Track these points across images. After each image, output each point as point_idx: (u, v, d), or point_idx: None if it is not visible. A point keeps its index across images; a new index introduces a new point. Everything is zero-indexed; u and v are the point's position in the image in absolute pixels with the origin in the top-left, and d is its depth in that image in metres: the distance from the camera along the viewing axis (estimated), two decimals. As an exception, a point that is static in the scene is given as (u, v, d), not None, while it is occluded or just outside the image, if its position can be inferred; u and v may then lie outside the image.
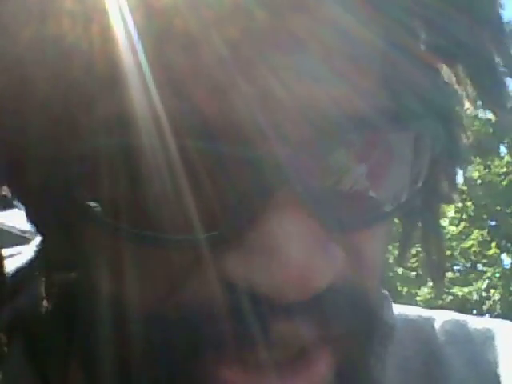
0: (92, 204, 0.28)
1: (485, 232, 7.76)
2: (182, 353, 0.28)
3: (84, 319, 0.32)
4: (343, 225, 0.29)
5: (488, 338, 0.42)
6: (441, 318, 0.44)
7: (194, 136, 0.27)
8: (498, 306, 7.55)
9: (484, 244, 7.88)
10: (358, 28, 0.28)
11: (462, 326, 0.43)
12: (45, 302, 0.36)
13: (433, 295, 7.56)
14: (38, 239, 0.42)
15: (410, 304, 0.47)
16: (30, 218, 0.34)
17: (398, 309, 0.44)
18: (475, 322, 0.44)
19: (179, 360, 0.28)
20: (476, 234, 7.80)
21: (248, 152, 0.27)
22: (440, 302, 7.43)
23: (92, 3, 0.26)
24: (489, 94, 0.33)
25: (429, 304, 7.33)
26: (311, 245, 0.27)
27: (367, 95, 0.28)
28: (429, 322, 0.44)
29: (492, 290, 7.54)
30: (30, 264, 0.40)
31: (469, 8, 0.30)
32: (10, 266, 0.39)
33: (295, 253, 0.27)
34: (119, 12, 0.26)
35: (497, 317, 7.49)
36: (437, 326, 0.43)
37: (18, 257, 0.40)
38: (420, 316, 0.44)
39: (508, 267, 7.76)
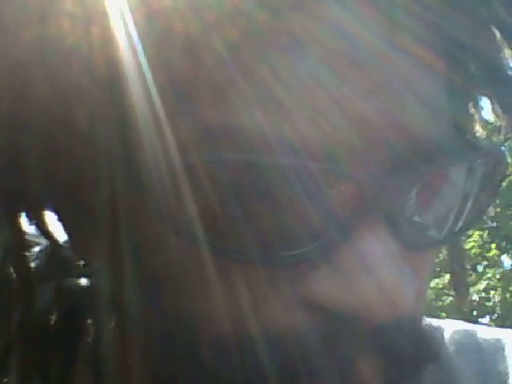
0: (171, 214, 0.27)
1: (485, 233, 7.75)
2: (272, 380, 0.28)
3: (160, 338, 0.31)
4: (415, 246, 0.30)
5: (498, 348, 0.42)
6: (450, 327, 0.44)
7: (284, 152, 0.26)
8: (498, 308, 7.54)
9: (484, 245, 7.87)
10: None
11: (472, 335, 0.43)
12: (50, 310, 0.36)
13: (432, 296, 7.55)
14: (43, 244, 0.42)
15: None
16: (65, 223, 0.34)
17: None
18: (485, 332, 0.44)
19: None
20: (476, 235, 7.79)
21: (343, 170, 0.27)
22: (440, 303, 7.42)
23: (92, 5, 0.26)
24: (497, 97, 0.33)
25: (429, 305, 7.33)
26: (401, 266, 0.27)
27: (445, 121, 0.30)
28: (438, 331, 0.43)
29: (492, 292, 7.53)
30: (39, 269, 0.40)
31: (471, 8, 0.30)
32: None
33: (389, 273, 0.27)
34: (120, 13, 0.26)
35: (497, 318, 7.48)
36: (446, 335, 0.43)
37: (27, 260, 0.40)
38: (429, 326, 0.43)
39: (508, 268, 7.75)
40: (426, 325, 0.34)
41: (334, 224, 0.27)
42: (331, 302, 0.27)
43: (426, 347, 0.32)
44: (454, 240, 0.34)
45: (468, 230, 0.34)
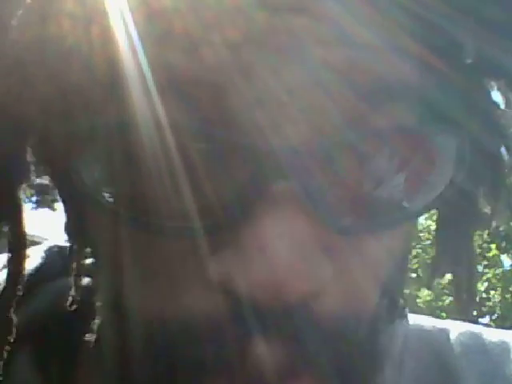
0: (96, 189, 0.28)
1: (485, 234, 7.75)
2: (178, 361, 0.27)
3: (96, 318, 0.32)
4: (346, 229, 0.28)
5: (504, 349, 0.42)
6: (456, 329, 0.43)
7: (194, 129, 0.26)
8: (498, 308, 7.54)
9: (484, 245, 7.87)
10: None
11: (478, 337, 0.43)
12: (57, 308, 0.36)
13: (433, 297, 7.55)
14: (48, 243, 0.42)
15: (410, 305, 0.47)
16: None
17: (413, 319, 0.44)
18: (491, 334, 0.43)
19: (175, 369, 0.27)
20: (476, 235, 7.79)
21: (245, 141, 0.26)
22: (440, 303, 7.42)
23: (92, 5, 0.26)
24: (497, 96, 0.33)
25: (429, 305, 7.33)
26: (304, 248, 0.26)
27: (369, 98, 0.28)
28: (444, 333, 0.43)
29: (492, 292, 7.53)
30: (40, 269, 0.40)
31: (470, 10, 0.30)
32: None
33: (282, 254, 0.25)
34: (120, 13, 0.26)
35: (497, 318, 7.48)
36: (452, 337, 0.43)
37: (27, 261, 0.40)
38: (435, 327, 0.43)
39: (508, 268, 7.75)
40: (375, 330, 0.31)
41: (238, 200, 0.26)
42: (231, 283, 0.26)
43: (353, 346, 0.29)
44: (393, 227, 0.30)
45: (418, 215, 0.31)
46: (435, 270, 0.37)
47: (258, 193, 0.26)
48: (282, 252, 0.25)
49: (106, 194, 0.28)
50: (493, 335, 0.43)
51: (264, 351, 0.26)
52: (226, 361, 0.26)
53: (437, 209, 0.36)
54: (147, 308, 0.28)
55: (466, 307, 0.37)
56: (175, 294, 0.27)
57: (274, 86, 0.26)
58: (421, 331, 0.43)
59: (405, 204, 0.30)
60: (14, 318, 0.34)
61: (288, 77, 0.26)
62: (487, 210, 0.35)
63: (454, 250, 0.36)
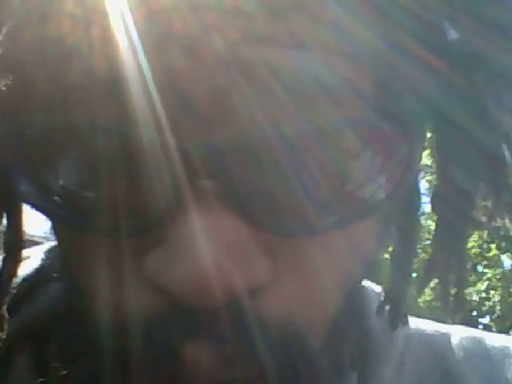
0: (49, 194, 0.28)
1: (485, 234, 7.75)
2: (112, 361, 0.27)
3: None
4: (281, 230, 0.27)
5: (506, 354, 0.42)
6: (458, 333, 0.43)
7: (119, 130, 0.26)
8: (498, 308, 7.54)
9: (484, 245, 7.87)
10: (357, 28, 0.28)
11: (480, 342, 0.43)
12: (56, 309, 0.36)
13: (433, 297, 7.55)
14: (48, 243, 0.42)
15: (410, 305, 0.47)
16: None
17: (415, 322, 0.43)
18: (493, 339, 0.43)
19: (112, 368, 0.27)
20: (476, 235, 7.79)
21: (171, 140, 0.26)
22: (439, 303, 7.40)
23: (92, 5, 0.26)
24: (498, 97, 0.33)
25: (429, 305, 7.32)
26: (228, 245, 0.25)
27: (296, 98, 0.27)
28: (446, 337, 0.43)
29: (492, 292, 7.53)
30: (40, 269, 0.40)
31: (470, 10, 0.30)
32: (19, 271, 0.39)
33: (202, 253, 0.25)
34: (120, 13, 0.26)
35: (497, 318, 7.48)
36: (454, 341, 0.43)
37: (27, 262, 0.40)
38: (437, 331, 0.43)
39: (508, 268, 7.75)
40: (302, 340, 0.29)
41: (165, 201, 0.26)
42: (161, 282, 0.26)
43: (301, 350, 0.28)
44: (334, 229, 0.28)
45: (360, 219, 0.29)
46: (428, 273, 0.37)
47: (184, 191, 0.26)
48: (204, 249, 0.25)
49: (54, 198, 0.28)
50: (495, 340, 0.43)
51: (196, 350, 0.26)
52: (160, 359, 0.26)
53: (435, 210, 0.35)
54: (92, 306, 0.28)
55: (452, 314, 0.36)
56: (114, 293, 0.28)
57: (195, 85, 0.26)
58: (423, 334, 0.43)
59: (346, 204, 0.28)
60: (14, 322, 0.34)
61: (207, 78, 0.26)
62: (484, 212, 0.35)
63: (447, 254, 0.36)
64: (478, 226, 0.35)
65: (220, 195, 0.26)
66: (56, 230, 0.31)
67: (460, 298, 0.35)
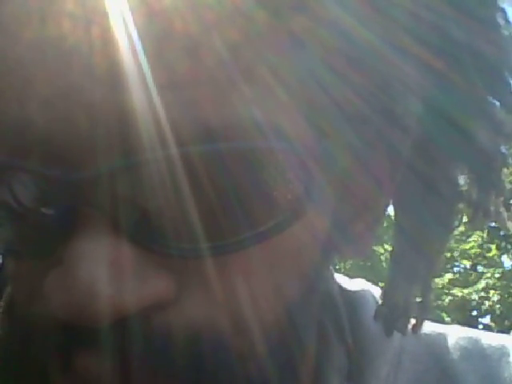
0: None
1: (485, 233, 7.75)
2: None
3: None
4: (170, 251, 0.27)
5: (503, 354, 0.42)
6: (455, 333, 0.43)
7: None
8: (498, 307, 7.55)
9: (484, 246, 7.87)
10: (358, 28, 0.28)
11: (477, 341, 0.43)
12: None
13: (433, 297, 7.54)
14: None
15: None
16: None
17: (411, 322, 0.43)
18: (490, 338, 0.43)
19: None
20: (476, 235, 7.79)
21: (52, 171, 0.27)
22: (440, 303, 7.42)
23: (92, 5, 0.26)
24: (496, 94, 0.33)
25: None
26: (109, 269, 0.26)
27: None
28: (443, 337, 0.43)
29: (492, 291, 7.53)
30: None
31: (470, 11, 0.30)
32: None
33: (84, 275, 0.26)
34: (120, 13, 0.26)
35: (497, 318, 7.48)
36: (451, 341, 0.43)
37: None
38: (434, 331, 0.43)
39: (508, 268, 7.75)
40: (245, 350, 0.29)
41: (56, 228, 0.27)
42: (49, 303, 0.27)
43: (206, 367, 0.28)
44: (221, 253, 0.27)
45: (264, 238, 0.28)
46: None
47: (73, 218, 0.27)
48: (83, 272, 0.26)
49: None
50: (492, 339, 0.43)
51: (86, 359, 0.27)
52: (54, 363, 0.28)
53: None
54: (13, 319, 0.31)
55: (422, 304, 0.36)
56: (23, 307, 0.30)
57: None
58: (419, 334, 0.43)
59: (245, 226, 0.27)
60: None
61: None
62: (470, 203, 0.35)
63: (410, 265, 0.36)
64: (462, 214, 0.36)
65: (107, 220, 0.27)
66: None
67: (427, 288, 0.36)
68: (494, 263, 7.80)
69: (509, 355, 0.42)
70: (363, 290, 0.42)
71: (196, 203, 0.27)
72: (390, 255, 0.37)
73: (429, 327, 0.44)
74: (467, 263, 8.15)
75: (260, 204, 0.27)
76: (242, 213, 0.27)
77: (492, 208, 0.36)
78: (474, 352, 0.42)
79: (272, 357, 0.29)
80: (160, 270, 0.27)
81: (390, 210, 0.37)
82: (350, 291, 0.42)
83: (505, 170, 0.34)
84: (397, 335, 0.40)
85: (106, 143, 0.26)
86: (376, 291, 0.42)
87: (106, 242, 0.26)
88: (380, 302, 0.38)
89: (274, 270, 0.29)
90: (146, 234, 0.27)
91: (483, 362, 0.42)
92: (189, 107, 0.26)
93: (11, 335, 0.30)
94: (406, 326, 0.38)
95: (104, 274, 0.26)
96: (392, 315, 0.37)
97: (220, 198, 0.27)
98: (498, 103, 0.34)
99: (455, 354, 0.42)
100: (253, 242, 0.28)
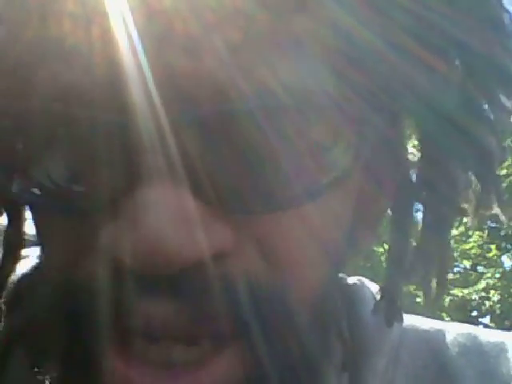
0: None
1: (485, 233, 7.75)
2: (70, 335, 0.29)
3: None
4: (237, 206, 0.28)
5: (501, 350, 0.42)
6: (453, 329, 0.44)
7: (70, 112, 0.27)
8: (498, 307, 7.55)
9: (484, 246, 7.87)
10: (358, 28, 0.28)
11: (475, 338, 0.43)
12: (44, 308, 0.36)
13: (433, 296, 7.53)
14: None
15: (409, 305, 0.47)
16: None
17: (410, 319, 0.44)
18: (488, 335, 0.43)
19: (70, 342, 0.29)
20: (476, 235, 7.79)
21: (121, 119, 0.27)
22: (440, 303, 7.41)
23: (92, 5, 0.26)
24: (491, 93, 0.33)
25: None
26: (176, 217, 0.26)
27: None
28: (441, 333, 0.43)
29: (492, 291, 7.53)
30: (36, 269, 0.40)
31: (469, 8, 0.30)
32: (16, 271, 0.39)
33: (153, 223, 0.26)
34: (120, 13, 0.26)
35: (497, 318, 7.49)
36: (449, 337, 0.43)
37: (25, 261, 0.40)
38: (432, 327, 0.43)
39: (508, 268, 7.75)
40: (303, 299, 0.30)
41: (119, 176, 0.27)
42: (116, 253, 0.27)
43: (290, 322, 0.29)
44: (283, 209, 0.29)
45: (316, 195, 0.29)
46: (414, 262, 0.37)
47: (136, 168, 0.27)
48: (152, 219, 0.26)
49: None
50: (490, 336, 0.43)
51: (151, 305, 0.27)
52: (113, 314, 0.28)
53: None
54: (59, 277, 0.30)
55: (434, 301, 0.37)
56: (77, 264, 0.29)
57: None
58: (418, 330, 0.43)
59: (299, 184, 0.29)
60: (8, 322, 0.34)
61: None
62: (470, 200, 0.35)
63: (433, 242, 0.36)
64: (464, 213, 0.36)
65: (172, 171, 0.27)
66: (34, 218, 0.32)
67: (442, 284, 0.37)
68: (494, 263, 7.80)
69: (507, 351, 0.42)
70: (361, 286, 0.42)
71: (255, 161, 0.28)
72: (387, 252, 0.37)
73: (427, 323, 0.44)
74: (467, 263, 8.16)
75: (314, 163, 0.29)
76: (297, 170, 0.29)
77: (492, 207, 0.36)
78: (473, 348, 0.42)
79: (312, 326, 0.31)
80: (221, 223, 0.28)
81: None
82: (348, 285, 0.42)
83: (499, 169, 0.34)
84: (396, 331, 0.40)
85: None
86: (374, 287, 0.42)
87: (171, 192, 0.27)
88: (378, 297, 0.38)
89: (321, 232, 0.31)
90: (209, 188, 0.27)
91: (482, 358, 0.42)
92: (189, 107, 0.27)
93: (57, 302, 0.30)
94: (402, 317, 0.38)
95: (172, 222, 0.26)
96: (391, 310, 0.37)
97: (277, 156, 0.28)
98: (497, 103, 0.34)
99: (454, 350, 0.42)
100: (305, 199, 0.29)
